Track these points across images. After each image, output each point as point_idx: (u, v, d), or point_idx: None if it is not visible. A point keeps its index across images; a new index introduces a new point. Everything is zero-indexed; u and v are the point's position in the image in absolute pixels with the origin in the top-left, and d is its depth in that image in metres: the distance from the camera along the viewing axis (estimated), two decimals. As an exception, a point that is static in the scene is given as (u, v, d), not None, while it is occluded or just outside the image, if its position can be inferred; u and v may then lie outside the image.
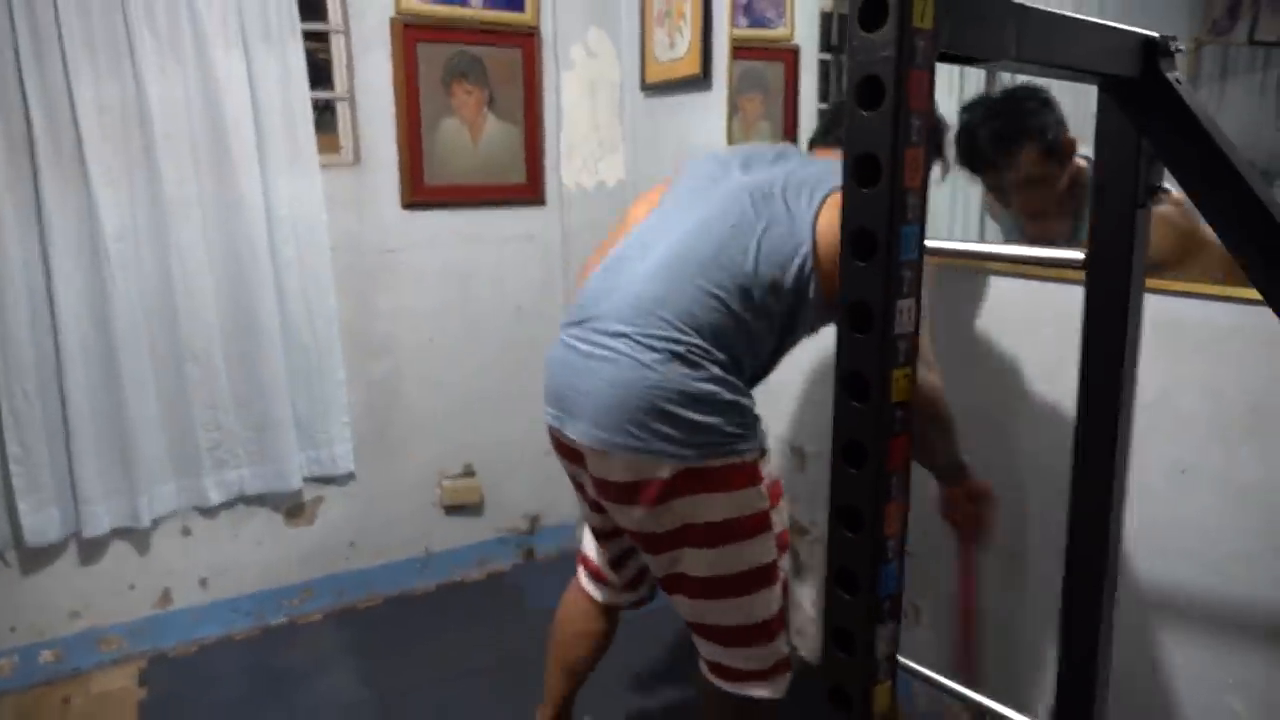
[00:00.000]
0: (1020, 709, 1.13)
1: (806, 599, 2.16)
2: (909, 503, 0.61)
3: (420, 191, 2.36)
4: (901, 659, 0.99)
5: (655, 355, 1.23)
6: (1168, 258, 1.33)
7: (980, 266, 1.59)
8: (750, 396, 1.31)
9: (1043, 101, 1.45)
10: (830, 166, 1.38)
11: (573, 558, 2.70)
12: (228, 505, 2.24)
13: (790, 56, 2.17)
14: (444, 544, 2.57)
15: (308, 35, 2.13)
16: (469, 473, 2.57)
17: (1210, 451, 1.28)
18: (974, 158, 1.53)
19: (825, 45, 2.12)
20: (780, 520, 1.37)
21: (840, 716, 0.61)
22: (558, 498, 2.72)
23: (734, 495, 1.27)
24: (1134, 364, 0.94)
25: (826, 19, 2.12)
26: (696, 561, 1.31)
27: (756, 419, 1.32)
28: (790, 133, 2.13)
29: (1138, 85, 0.83)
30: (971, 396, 1.64)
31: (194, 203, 2.05)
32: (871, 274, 0.57)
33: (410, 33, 2.26)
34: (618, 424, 1.24)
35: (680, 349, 1.24)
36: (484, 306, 2.51)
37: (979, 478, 1.43)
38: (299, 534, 2.36)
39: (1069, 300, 1.39)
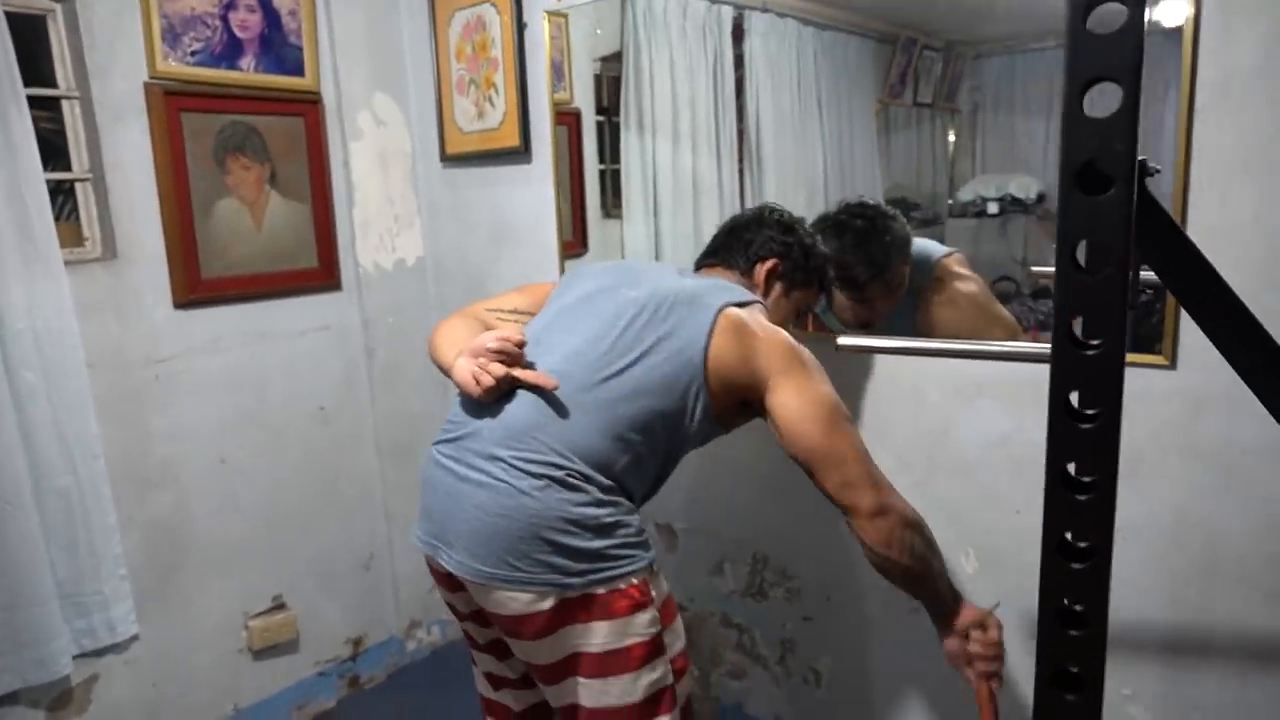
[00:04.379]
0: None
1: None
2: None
3: (196, 287, 1.97)
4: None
5: (533, 481, 1.17)
6: (976, 326, 1.57)
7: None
8: (636, 513, 1.25)
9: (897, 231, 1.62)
10: (719, 283, 1.37)
11: (401, 675, 2.44)
12: (-37, 716, 1.69)
13: (573, 120, 2.15)
14: (256, 695, 2.16)
15: (32, 103, 1.70)
16: (279, 605, 2.19)
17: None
18: (848, 282, 1.63)
19: (598, 109, 2.14)
20: (677, 641, 1.28)
21: None
22: (380, 612, 2.42)
23: (620, 622, 1.19)
24: (1119, 432, 1.02)
25: (598, 82, 2.14)
26: (589, 692, 1.23)
27: (643, 534, 1.25)
28: (579, 197, 2.13)
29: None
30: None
31: (-111, 325, 1.54)
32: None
33: (173, 101, 1.89)
34: (495, 555, 1.18)
35: (559, 474, 1.18)
36: (281, 412, 2.16)
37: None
38: (68, 730, 1.85)
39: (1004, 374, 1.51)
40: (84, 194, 1.87)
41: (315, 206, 2.19)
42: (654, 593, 1.24)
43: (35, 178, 1.69)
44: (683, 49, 1.94)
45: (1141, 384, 1.33)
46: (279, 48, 2.08)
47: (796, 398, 1.23)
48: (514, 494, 1.17)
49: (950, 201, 1.64)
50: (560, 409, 1.21)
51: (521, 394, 1.24)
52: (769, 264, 1.44)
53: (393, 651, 2.47)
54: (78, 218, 1.87)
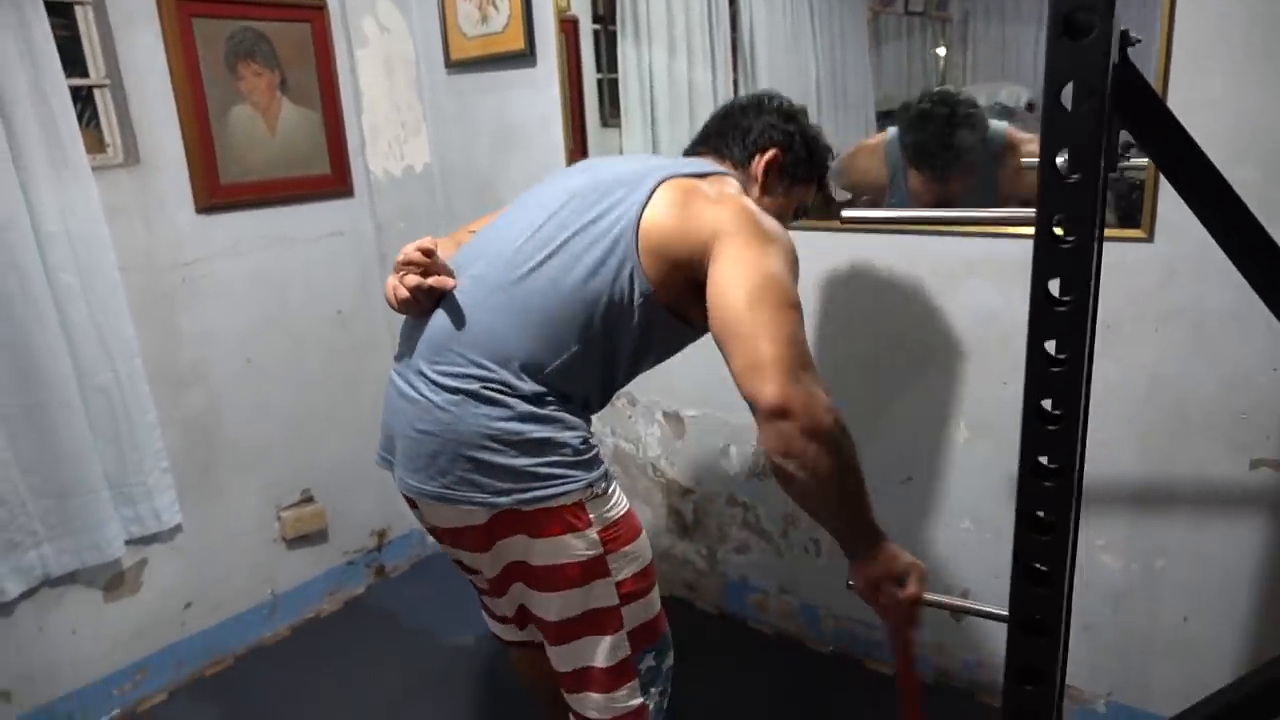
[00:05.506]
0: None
1: (696, 554, 2.27)
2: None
3: (217, 192, 2.04)
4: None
5: (448, 395, 1.11)
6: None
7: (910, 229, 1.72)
8: (578, 428, 1.14)
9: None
10: (686, 160, 1.28)
11: (423, 565, 2.59)
12: (28, 595, 1.82)
13: (571, 27, 2.18)
14: (290, 581, 2.31)
15: (48, 10, 1.73)
16: (308, 498, 2.32)
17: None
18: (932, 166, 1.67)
19: (595, 17, 2.17)
20: (628, 565, 1.17)
21: None
22: (402, 506, 2.53)
23: (552, 541, 1.12)
24: (1097, 298, 1.13)
25: None
26: (529, 599, 1.21)
27: (586, 452, 1.14)
28: (577, 106, 2.17)
29: (1114, 69, 0.99)
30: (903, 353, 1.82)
31: (-68, 228, 1.60)
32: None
33: (184, 6, 1.92)
34: (424, 471, 1.14)
35: (474, 385, 1.10)
36: (302, 315, 2.25)
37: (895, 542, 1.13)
38: (123, 608, 1.98)
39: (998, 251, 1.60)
40: (103, 100, 1.91)
41: (325, 113, 2.24)
42: (592, 515, 1.14)
43: (58, 82, 1.73)
44: None
45: (1119, 257, 1.44)
46: (283, -48, 2.09)
47: (733, 263, 1.06)
48: (432, 409, 1.11)
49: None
50: (476, 314, 1.13)
51: (442, 305, 1.17)
52: (769, 155, 1.30)
53: (414, 543, 2.61)
54: (98, 124, 1.91)
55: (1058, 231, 0.75)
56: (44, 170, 1.73)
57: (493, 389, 1.10)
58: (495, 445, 1.09)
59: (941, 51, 1.69)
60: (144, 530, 1.96)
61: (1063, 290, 0.76)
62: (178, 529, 2.04)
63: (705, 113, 1.97)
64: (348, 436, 2.36)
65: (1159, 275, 1.44)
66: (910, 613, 1.12)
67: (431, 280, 1.16)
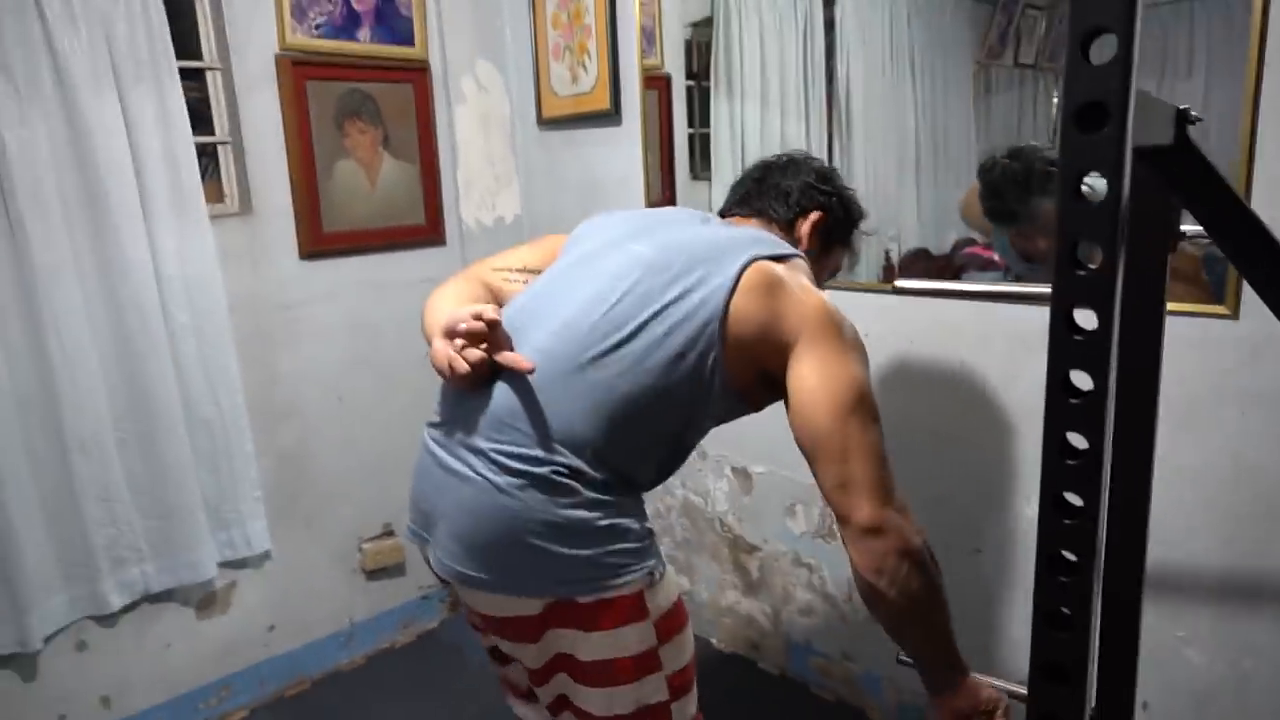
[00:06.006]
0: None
1: (759, 613, 2.24)
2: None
3: (319, 240, 2.19)
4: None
5: (513, 479, 1.04)
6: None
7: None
8: (638, 515, 1.11)
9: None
10: (755, 234, 1.21)
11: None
12: (130, 608, 1.97)
13: (664, 84, 2.24)
14: (367, 611, 2.41)
15: (181, 74, 1.92)
16: (389, 533, 2.43)
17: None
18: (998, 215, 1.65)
19: (689, 73, 2.23)
20: (679, 656, 1.14)
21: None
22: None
23: (608, 635, 1.08)
24: (1159, 378, 1.09)
25: (689, 47, 2.22)
26: (575, 694, 1.14)
27: (647, 537, 1.11)
28: (667, 160, 2.22)
29: (1170, 150, 0.96)
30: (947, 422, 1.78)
31: (69, 268, 1.78)
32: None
33: (299, 70, 2.09)
34: (475, 556, 1.07)
35: (543, 470, 1.04)
36: (392, 357, 2.37)
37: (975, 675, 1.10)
38: (213, 626, 2.12)
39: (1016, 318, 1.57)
40: (224, 155, 2.09)
41: (423, 167, 2.38)
42: (650, 605, 1.09)
43: (186, 141, 1.91)
44: (772, 14, 1.99)
45: (1202, 333, 1.37)
46: (391, 19, 2.25)
47: (819, 372, 1.05)
48: (492, 492, 1.04)
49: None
50: (547, 393, 1.06)
51: (505, 377, 1.08)
52: (813, 216, 1.28)
53: (489, 581, 2.68)
54: (219, 176, 2.10)
55: (1077, 319, 0.74)
56: (168, 219, 1.90)
57: (563, 475, 1.04)
58: (560, 534, 1.04)
59: (1056, 102, 1.67)
60: (236, 554, 2.10)
61: (1084, 319, 0.74)
62: (266, 555, 2.17)
63: (798, 167, 2.02)
64: (429, 474, 2.46)
65: (1243, 355, 1.36)
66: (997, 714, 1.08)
67: (505, 358, 1.06)
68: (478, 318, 1.04)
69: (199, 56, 2.03)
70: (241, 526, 2.09)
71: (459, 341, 1.06)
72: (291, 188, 2.13)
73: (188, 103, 1.92)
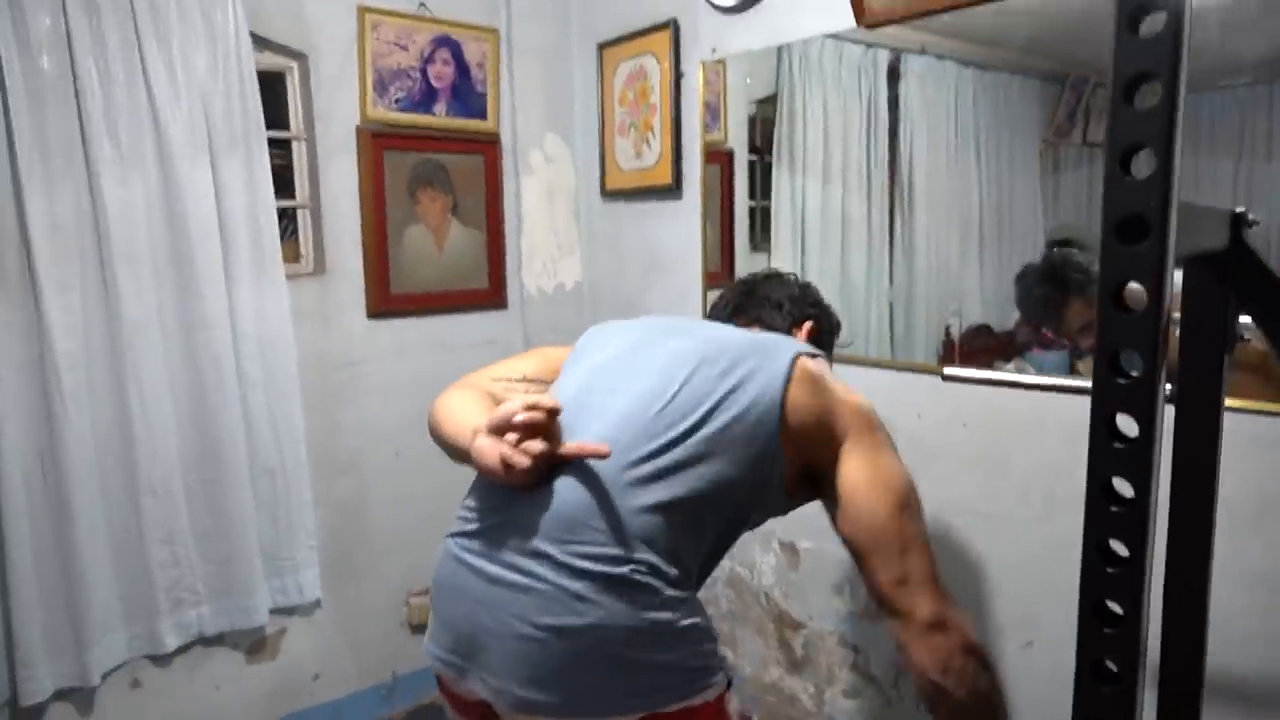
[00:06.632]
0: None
1: (803, 692, 2.19)
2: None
3: (386, 300, 2.28)
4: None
5: (590, 583, 0.96)
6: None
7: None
8: (704, 613, 1.06)
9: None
10: (775, 337, 1.23)
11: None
12: (184, 649, 2.02)
13: (726, 159, 2.29)
14: (410, 665, 2.42)
15: (269, 143, 2.05)
16: (436, 588, 2.46)
17: (1221, 542, 1.44)
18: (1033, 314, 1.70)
19: (752, 147, 2.27)
20: None
21: None
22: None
23: None
24: (1217, 478, 1.06)
25: (752, 123, 2.27)
26: None
27: (717, 637, 1.07)
28: (728, 231, 2.25)
29: (1226, 252, 0.96)
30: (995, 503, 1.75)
31: (154, 322, 1.89)
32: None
33: (378, 141, 2.21)
34: (546, 679, 0.96)
35: (623, 569, 0.97)
36: (449, 414, 2.43)
37: None
38: (261, 671, 2.16)
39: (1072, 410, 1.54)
40: (303, 219, 2.21)
41: (489, 234, 2.47)
42: (730, 710, 1.05)
43: (268, 205, 2.03)
44: (837, 92, 2.01)
45: (1274, 431, 1.34)
46: (466, 95, 2.37)
47: (868, 468, 1.05)
48: (567, 600, 0.96)
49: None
50: (616, 487, 1.00)
51: (565, 472, 1.01)
52: (807, 326, 1.35)
53: (532, 642, 2.68)
54: (296, 238, 2.21)
55: (1119, 426, 0.74)
56: (248, 278, 2.01)
57: (643, 573, 0.98)
58: (646, 640, 0.97)
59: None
60: (288, 601, 2.15)
61: (1124, 488, 0.74)
62: (317, 603, 2.21)
63: (858, 242, 2.00)
64: (479, 531, 2.49)
65: (1313, 456, 1.32)
66: None
67: (574, 447, 1.00)
68: (532, 408, 0.98)
69: (286, 127, 2.16)
70: (295, 574, 2.15)
71: (512, 436, 0.99)
72: (363, 250, 2.24)
73: (273, 169, 2.04)
